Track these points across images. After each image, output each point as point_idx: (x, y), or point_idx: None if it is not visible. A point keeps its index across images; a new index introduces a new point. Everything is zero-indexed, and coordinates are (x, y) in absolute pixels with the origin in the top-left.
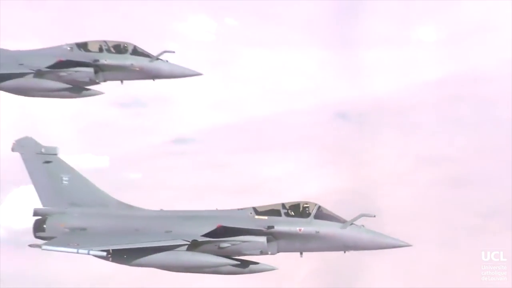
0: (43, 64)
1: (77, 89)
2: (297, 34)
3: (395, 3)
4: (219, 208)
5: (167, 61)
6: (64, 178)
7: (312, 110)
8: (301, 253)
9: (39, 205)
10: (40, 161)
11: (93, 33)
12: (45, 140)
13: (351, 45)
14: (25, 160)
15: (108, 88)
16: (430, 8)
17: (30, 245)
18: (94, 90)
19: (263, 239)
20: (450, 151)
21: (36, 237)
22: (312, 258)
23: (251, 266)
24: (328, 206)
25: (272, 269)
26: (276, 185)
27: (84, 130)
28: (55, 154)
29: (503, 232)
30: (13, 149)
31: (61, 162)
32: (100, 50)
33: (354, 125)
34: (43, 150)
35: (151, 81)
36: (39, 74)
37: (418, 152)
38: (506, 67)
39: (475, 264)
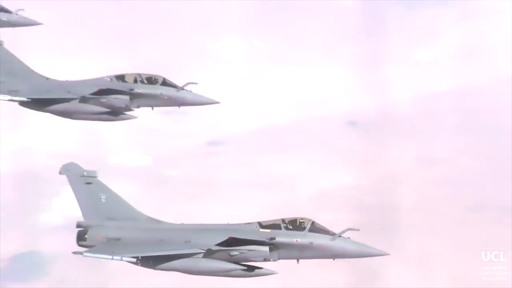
0: (87, 91)
1: (115, 113)
2: (315, 53)
3: (397, 29)
4: (230, 222)
5: (191, 91)
6: (102, 197)
7: (326, 118)
8: (297, 260)
9: (81, 219)
10: (83, 182)
11: (140, 52)
12: (100, 142)
13: (360, 63)
14: (70, 182)
15: (141, 113)
16: (426, 33)
17: (74, 252)
18: (129, 114)
19: (266, 248)
20: (444, 154)
21: (79, 245)
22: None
23: (256, 270)
24: (337, 199)
25: (273, 273)
26: (295, 181)
27: (132, 134)
28: (95, 177)
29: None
30: (60, 172)
31: (100, 184)
32: (135, 81)
33: (362, 131)
34: (85, 173)
35: (200, 89)
36: (83, 100)
37: (417, 153)
38: (492, 84)
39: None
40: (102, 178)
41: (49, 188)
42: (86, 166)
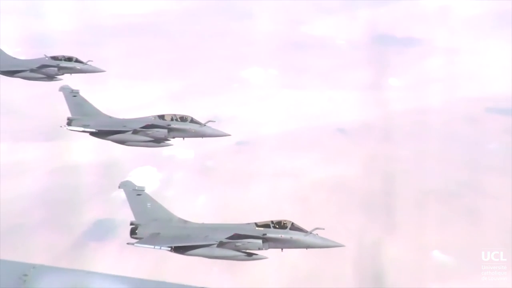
0: (137, 126)
1: (157, 142)
2: (315, 80)
3: (375, 61)
4: (237, 222)
5: (210, 126)
6: (148, 204)
7: (322, 126)
8: (282, 250)
9: (133, 219)
10: (135, 194)
11: (186, 76)
12: None
13: (348, 86)
14: (126, 193)
15: (175, 141)
16: (396, 65)
17: (128, 243)
18: (167, 143)
19: (260, 241)
20: (405, 153)
21: (131, 237)
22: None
23: (253, 256)
24: (329, 184)
25: (265, 257)
26: (299, 171)
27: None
28: (143, 190)
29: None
30: (119, 187)
31: (147, 195)
32: (171, 119)
33: (349, 137)
34: (136, 188)
35: (230, 104)
36: (134, 132)
37: (387, 152)
38: (444, 104)
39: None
40: (158, 167)
41: (120, 173)
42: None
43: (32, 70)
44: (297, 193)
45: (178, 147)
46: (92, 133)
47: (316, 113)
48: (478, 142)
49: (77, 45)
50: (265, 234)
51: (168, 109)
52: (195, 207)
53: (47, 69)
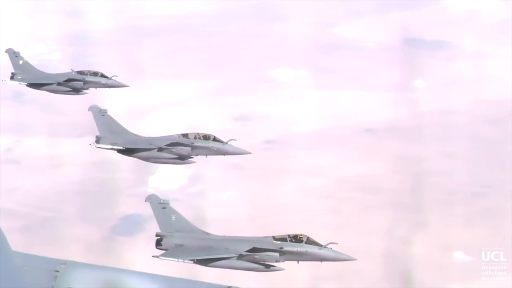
0: (162, 144)
1: (181, 159)
2: (343, 81)
3: (402, 62)
4: (255, 235)
5: (231, 145)
6: (172, 217)
7: (350, 126)
8: (298, 262)
9: (159, 230)
10: (160, 207)
11: (219, 76)
12: None
13: (376, 88)
14: (152, 206)
15: (199, 158)
16: (424, 67)
17: (153, 256)
18: (190, 160)
19: (277, 254)
20: (431, 153)
21: (157, 248)
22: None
23: (271, 267)
24: (354, 183)
25: (282, 269)
26: (324, 169)
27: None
28: (168, 204)
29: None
30: (145, 200)
31: (171, 208)
32: (195, 137)
33: (376, 137)
34: (161, 201)
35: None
36: (159, 149)
37: (413, 152)
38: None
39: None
40: (186, 164)
41: (149, 168)
42: None
43: (59, 84)
44: (324, 191)
45: None
46: (119, 151)
47: (344, 113)
48: (502, 143)
49: (115, 44)
50: (282, 248)
51: (201, 107)
52: (221, 203)
53: (73, 83)
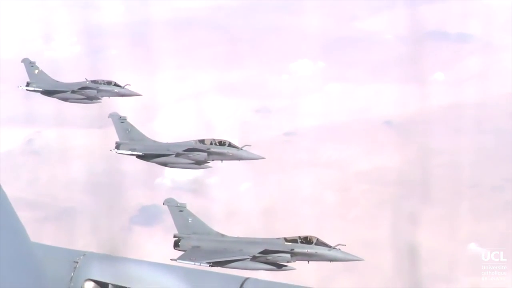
0: (180, 150)
1: (198, 164)
2: (362, 73)
3: (424, 56)
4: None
5: (246, 150)
6: (189, 219)
7: (369, 119)
8: (308, 262)
9: (176, 232)
10: (177, 210)
11: (239, 68)
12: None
13: (395, 81)
14: (170, 209)
15: (214, 164)
16: (446, 60)
17: (171, 259)
18: (206, 165)
19: (288, 255)
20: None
21: (175, 249)
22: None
23: (283, 268)
24: (374, 176)
25: (293, 268)
26: (344, 162)
27: (232, 126)
28: (185, 207)
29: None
30: (163, 203)
31: (188, 211)
32: (211, 143)
33: (396, 130)
34: (178, 205)
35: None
36: (177, 155)
37: (431, 145)
38: (493, 100)
39: None
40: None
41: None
42: None
43: (73, 92)
44: (340, 183)
45: (221, 136)
46: (138, 156)
47: (364, 105)
48: None
49: (134, 37)
50: (293, 249)
51: (221, 99)
52: (238, 194)
53: (87, 91)
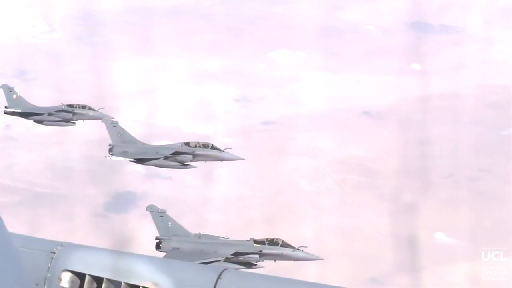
0: (168, 152)
1: (184, 165)
2: (341, 63)
3: (402, 46)
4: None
5: (228, 152)
6: (169, 223)
7: (348, 109)
8: (275, 261)
9: (158, 234)
10: (158, 215)
11: (219, 56)
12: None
13: (374, 71)
14: (151, 215)
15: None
16: (427, 51)
17: None
18: (192, 165)
19: (257, 256)
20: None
21: (156, 250)
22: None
23: (253, 267)
24: (349, 165)
25: (262, 267)
26: (321, 151)
27: (210, 114)
28: (165, 212)
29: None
30: (146, 209)
31: (168, 217)
32: (195, 146)
33: (374, 120)
34: (159, 211)
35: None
36: (165, 158)
37: (410, 135)
38: (474, 91)
39: None
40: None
41: None
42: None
43: (49, 114)
44: (318, 172)
45: (199, 125)
46: (131, 161)
47: (343, 95)
48: (502, 128)
49: (119, 24)
50: (261, 251)
51: (202, 88)
52: (213, 182)
53: (62, 114)
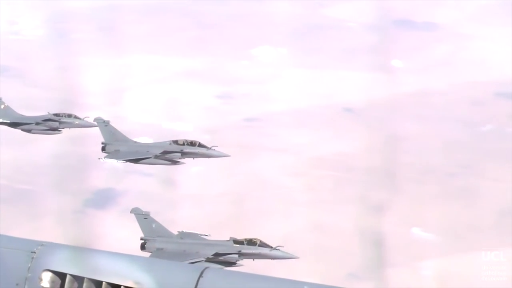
0: (158, 151)
1: (173, 162)
2: (323, 60)
3: (384, 43)
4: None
5: (214, 149)
6: (153, 225)
7: (329, 106)
8: (253, 260)
9: (143, 235)
10: (142, 217)
11: (201, 54)
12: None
13: (355, 67)
14: (136, 217)
15: (187, 160)
16: (409, 48)
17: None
18: (181, 162)
19: (236, 255)
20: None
21: (141, 250)
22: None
23: (232, 266)
24: (331, 161)
25: (242, 265)
26: (303, 147)
27: (194, 110)
28: (149, 214)
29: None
30: (130, 212)
31: (152, 219)
32: (183, 144)
33: (355, 116)
34: (143, 212)
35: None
36: (156, 156)
37: (389, 132)
38: (455, 88)
39: None
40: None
41: None
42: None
43: (37, 123)
44: (297, 168)
45: (179, 122)
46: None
47: (324, 92)
48: (480, 124)
49: (101, 21)
50: (240, 250)
51: (184, 84)
52: (191, 177)
53: (49, 123)
